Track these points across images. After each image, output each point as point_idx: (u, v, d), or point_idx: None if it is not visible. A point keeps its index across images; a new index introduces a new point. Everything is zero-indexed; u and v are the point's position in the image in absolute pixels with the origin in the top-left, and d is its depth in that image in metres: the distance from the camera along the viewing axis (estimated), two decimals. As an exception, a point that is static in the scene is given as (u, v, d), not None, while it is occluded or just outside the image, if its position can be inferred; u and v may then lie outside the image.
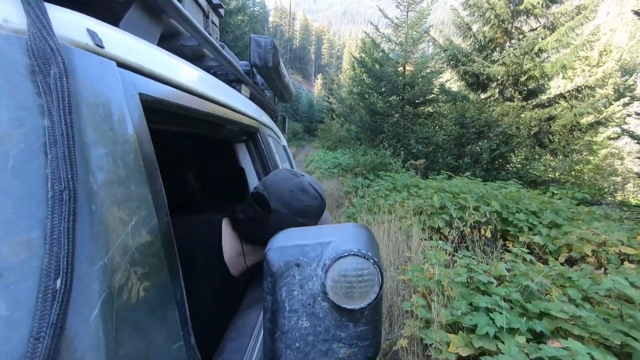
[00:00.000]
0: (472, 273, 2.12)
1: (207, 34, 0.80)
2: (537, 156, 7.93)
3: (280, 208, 0.76)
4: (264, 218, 0.76)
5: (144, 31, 0.61)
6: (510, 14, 8.67)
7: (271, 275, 0.40)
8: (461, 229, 3.41)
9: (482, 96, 9.93)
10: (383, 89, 10.99)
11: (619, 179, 7.71)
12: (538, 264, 2.41)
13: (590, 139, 8.36)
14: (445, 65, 9.92)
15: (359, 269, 0.39)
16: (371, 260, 0.39)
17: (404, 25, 10.42)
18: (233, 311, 0.75)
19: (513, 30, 9.01)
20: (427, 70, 10.22)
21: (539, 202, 3.99)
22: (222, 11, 1.24)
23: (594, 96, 8.26)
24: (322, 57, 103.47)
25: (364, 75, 12.37)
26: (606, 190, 7.11)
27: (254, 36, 1.36)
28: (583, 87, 8.46)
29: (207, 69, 1.03)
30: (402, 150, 9.08)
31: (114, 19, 0.55)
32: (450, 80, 10.73)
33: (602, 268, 2.64)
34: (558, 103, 8.64)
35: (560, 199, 4.79)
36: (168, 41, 0.90)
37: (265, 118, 1.53)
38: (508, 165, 8.14)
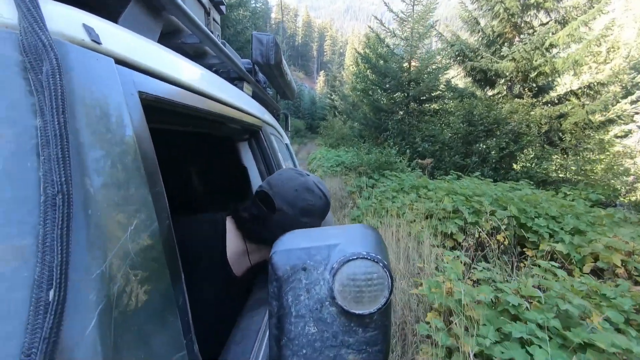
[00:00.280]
0: (498, 292, 1.88)
1: (208, 31, 0.79)
2: (547, 155, 7.78)
3: (285, 207, 0.76)
4: (268, 217, 0.76)
5: (144, 28, 0.60)
6: (520, 8, 8.49)
7: (277, 280, 0.39)
8: (477, 236, 3.24)
9: (490, 93, 9.80)
10: (387, 86, 10.88)
11: (630, 178, 7.52)
12: (570, 279, 2.18)
13: (602, 137, 8.16)
14: (452, 61, 9.77)
15: (368, 273, 0.38)
16: (380, 264, 0.37)
17: (409, 19, 10.25)
18: (236, 312, 0.74)
19: (522, 25, 8.85)
20: (433, 66, 10.09)
21: (559, 205, 3.78)
22: (223, 8, 1.22)
23: (606, 93, 8.07)
24: (325, 54, 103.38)
25: (368, 71, 12.24)
26: (620, 190, 6.88)
27: (256, 33, 1.34)
28: (595, 83, 8.29)
29: (209, 67, 1.02)
30: (407, 148, 8.98)
31: (112, 15, 0.54)
32: (457, 76, 10.55)
33: (631, 279, 2.48)
34: (568, 100, 8.47)
35: (573, 200, 4.63)
36: (169, 38, 0.89)
37: (267, 116, 1.51)
38: (516, 165, 8.00)
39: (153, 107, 0.49)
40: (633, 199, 7.08)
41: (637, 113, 8.57)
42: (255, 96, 1.47)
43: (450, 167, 7.67)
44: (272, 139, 1.44)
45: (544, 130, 8.14)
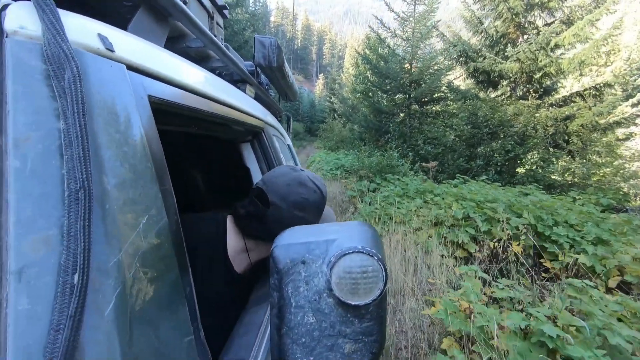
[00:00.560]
0: (530, 320, 1.61)
1: (212, 35, 0.82)
2: (554, 158, 7.67)
3: (278, 201, 0.77)
4: (264, 213, 0.78)
5: (151, 34, 0.63)
6: (524, 7, 8.46)
7: (277, 272, 0.41)
8: (491, 247, 3.01)
9: (492, 95, 9.75)
10: (388, 87, 10.83)
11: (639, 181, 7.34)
12: (605, 298, 1.93)
13: (610, 139, 8.00)
14: (454, 62, 9.73)
15: (363, 266, 0.40)
16: (375, 257, 0.40)
17: (411, 19, 10.23)
18: (238, 308, 0.77)
19: (526, 25, 8.82)
20: (435, 67, 10.04)
21: (577, 212, 3.55)
22: (226, 12, 1.26)
23: (613, 94, 7.98)
24: (324, 57, 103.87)
25: (368, 72, 12.24)
26: (630, 195, 6.67)
27: (258, 37, 1.37)
28: (602, 84, 8.21)
29: (213, 70, 1.05)
30: (409, 151, 8.92)
31: (122, 22, 0.57)
32: (459, 77, 10.51)
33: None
34: (574, 102, 8.39)
35: (583, 205, 4.44)
36: (174, 43, 0.92)
37: (270, 118, 1.55)
38: (520, 169, 7.87)
39: (161, 109, 0.52)
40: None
41: (638, 116, 8.50)
42: (257, 98, 1.50)
43: (454, 170, 7.58)
44: (274, 140, 1.47)
45: (550, 133, 8.04)
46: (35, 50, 0.34)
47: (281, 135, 1.90)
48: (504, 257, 2.90)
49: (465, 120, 8.29)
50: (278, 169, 0.86)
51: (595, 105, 7.78)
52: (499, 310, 1.94)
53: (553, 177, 7.40)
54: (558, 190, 6.57)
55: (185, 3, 0.82)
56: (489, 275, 2.58)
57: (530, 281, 2.62)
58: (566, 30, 7.91)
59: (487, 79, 9.21)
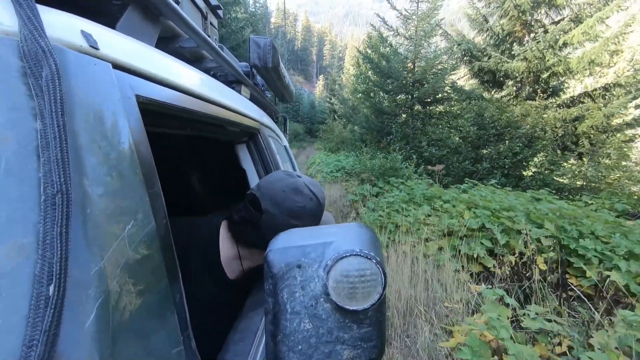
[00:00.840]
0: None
1: (205, 35, 0.80)
2: (563, 161, 7.47)
3: (271, 208, 0.75)
4: (258, 219, 0.76)
5: (141, 33, 0.62)
6: (531, 5, 8.34)
7: (272, 277, 0.40)
8: (512, 262, 2.76)
9: (497, 95, 9.64)
10: (390, 87, 10.67)
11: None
12: None
13: (619, 141, 7.71)
14: (458, 61, 9.62)
15: (361, 269, 0.39)
16: (374, 260, 0.39)
17: (413, 17, 10.12)
18: (232, 315, 0.75)
19: (533, 23, 8.73)
20: (439, 67, 9.90)
21: (602, 221, 3.24)
22: (220, 12, 1.25)
23: (625, 95, 7.78)
24: (324, 58, 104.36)
25: (370, 72, 12.09)
26: None
27: (253, 37, 1.37)
28: (612, 84, 8.07)
29: (207, 71, 1.04)
30: (412, 153, 8.75)
31: (110, 22, 0.56)
32: (463, 77, 10.36)
33: None
34: (582, 102, 8.23)
35: (596, 210, 4.18)
36: (166, 43, 0.91)
37: (265, 119, 1.54)
38: (527, 172, 7.68)
39: (150, 110, 0.51)
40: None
41: None
42: (253, 99, 1.49)
43: (459, 173, 7.44)
44: (271, 142, 1.45)
45: (559, 135, 7.88)
46: (12, 47, 0.33)
47: (277, 137, 1.89)
48: (526, 274, 2.62)
49: (471, 121, 8.12)
50: (274, 174, 0.84)
51: (605, 106, 7.63)
52: (530, 342, 1.73)
53: (561, 180, 7.24)
54: (566, 194, 6.42)
55: (177, 2, 0.81)
56: (511, 296, 2.32)
57: (558, 303, 2.37)
58: (575, 28, 7.78)
59: (493, 79, 9.10)
